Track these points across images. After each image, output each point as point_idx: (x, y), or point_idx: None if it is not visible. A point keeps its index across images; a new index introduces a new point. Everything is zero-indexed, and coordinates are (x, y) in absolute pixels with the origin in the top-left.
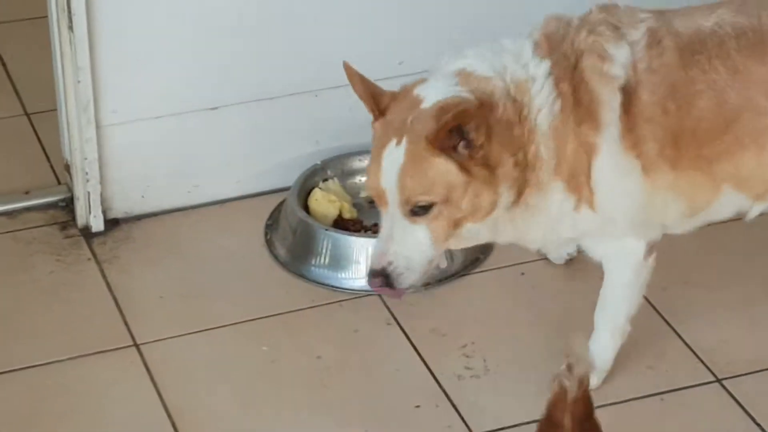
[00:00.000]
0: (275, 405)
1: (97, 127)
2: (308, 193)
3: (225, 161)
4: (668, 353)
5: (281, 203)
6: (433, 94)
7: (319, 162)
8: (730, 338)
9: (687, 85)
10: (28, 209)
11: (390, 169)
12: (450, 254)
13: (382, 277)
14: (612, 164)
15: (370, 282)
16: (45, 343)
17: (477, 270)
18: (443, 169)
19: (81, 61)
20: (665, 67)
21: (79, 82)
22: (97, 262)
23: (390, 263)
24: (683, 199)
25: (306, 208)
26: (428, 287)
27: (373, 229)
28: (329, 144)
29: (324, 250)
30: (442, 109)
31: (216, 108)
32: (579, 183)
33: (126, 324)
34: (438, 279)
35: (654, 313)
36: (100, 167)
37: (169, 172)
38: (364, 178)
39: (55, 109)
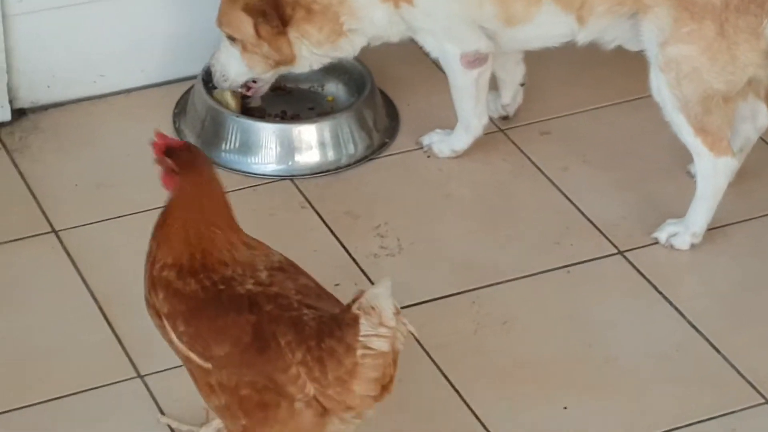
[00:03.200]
0: None
1: (3, 16)
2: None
3: (129, 51)
4: (572, 229)
5: (187, 92)
6: None
7: None
8: (629, 213)
9: None
10: None
11: None
12: (353, 140)
13: (206, 72)
14: None
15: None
16: None
17: (384, 154)
18: (244, 22)
19: None
20: None
21: None
22: (7, 152)
23: (213, 65)
24: (498, 2)
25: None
26: (339, 171)
27: (281, 116)
28: None
29: (233, 136)
30: None
31: None
32: None
33: (43, 211)
34: (347, 163)
35: (556, 191)
36: (6, 57)
37: (74, 62)
38: None
39: None
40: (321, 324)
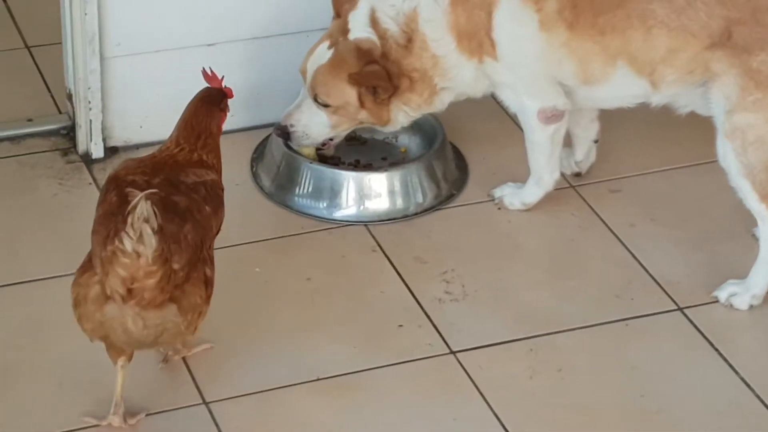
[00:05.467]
0: (269, 321)
1: (101, 58)
2: None
3: None
4: (634, 284)
5: (266, 138)
6: (355, 28)
7: None
8: (692, 272)
9: None
10: (31, 135)
11: (315, 60)
12: (422, 189)
13: (281, 131)
14: (511, 14)
15: (274, 130)
16: (50, 259)
17: (456, 204)
18: (347, 92)
19: None
20: None
21: (86, 14)
22: (98, 187)
23: (292, 125)
24: (577, 61)
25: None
26: (411, 218)
27: (354, 164)
28: None
29: (306, 182)
30: (358, 48)
31: (213, 44)
32: (480, 41)
33: None
34: (414, 212)
35: (621, 247)
36: (102, 97)
37: (166, 104)
38: None
39: (54, 43)
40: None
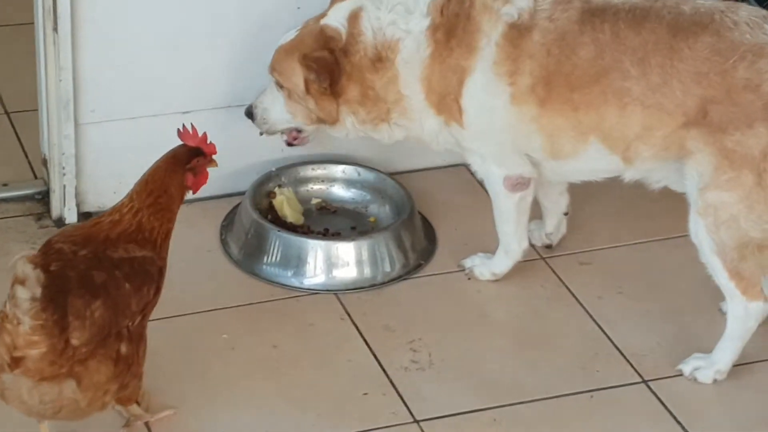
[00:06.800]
0: (235, 388)
1: (76, 124)
2: (265, 196)
3: None
4: (600, 356)
5: (236, 207)
6: (330, 16)
7: (273, 169)
8: (657, 345)
9: (575, 36)
10: (5, 200)
11: (281, 40)
12: (390, 259)
13: (248, 110)
14: (483, 84)
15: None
16: None
17: (427, 273)
18: (296, 73)
19: (63, 61)
20: (564, 20)
21: (60, 81)
22: None
23: (255, 106)
24: (546, 136)
25: (260, 210)
26: (382, 286)
27: (323, 233)
28: (294, 152)
29: (275, 250)
30: (321, 32)
31: (188, 112)
32: (448, 104)
33: None
34: (382, 281)
35: (589, 318)
36: (77, 162)
37: (140, 170)
38: (316, 186)
39: (34, 110)
40: None
